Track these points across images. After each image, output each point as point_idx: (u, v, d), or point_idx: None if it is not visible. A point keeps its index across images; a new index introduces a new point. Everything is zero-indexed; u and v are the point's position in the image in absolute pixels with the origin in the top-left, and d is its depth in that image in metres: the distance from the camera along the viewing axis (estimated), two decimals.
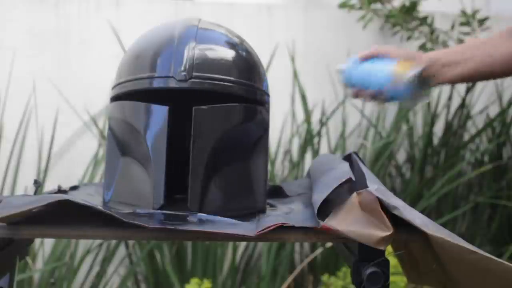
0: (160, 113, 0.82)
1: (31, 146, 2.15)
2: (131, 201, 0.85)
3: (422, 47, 2.35)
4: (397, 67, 1.10)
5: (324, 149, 2.31)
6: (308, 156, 2.22)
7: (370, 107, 2.35)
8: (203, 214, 0.79)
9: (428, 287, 1.04)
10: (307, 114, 2.19)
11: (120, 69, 0.90)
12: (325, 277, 1.94)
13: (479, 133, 2.39)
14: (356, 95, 1.16)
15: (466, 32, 2.33)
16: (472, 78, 1.13)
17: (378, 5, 2.38)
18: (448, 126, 2.37)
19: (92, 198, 0.92)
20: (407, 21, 2.36)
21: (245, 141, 0.87)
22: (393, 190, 2.30)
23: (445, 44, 2.34)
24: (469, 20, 2.33)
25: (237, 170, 0.86)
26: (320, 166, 1.02)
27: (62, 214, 0.73)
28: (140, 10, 2.27)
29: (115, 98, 0.89)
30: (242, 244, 2.17)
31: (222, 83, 0.84)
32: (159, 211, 0.80)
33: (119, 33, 2.17)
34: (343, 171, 0.85)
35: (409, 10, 2.34)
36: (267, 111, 0.91)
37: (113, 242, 2.06)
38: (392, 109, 2.32)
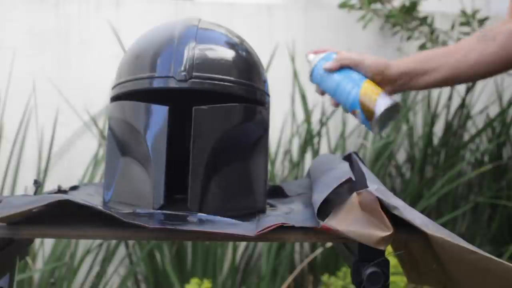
0: (160, 113, 0.82)
1: (31, 146, 2.15)
2: (131, 201, 0.85)
3: (422, 47, 2.35)
4: (364, 93, 1.08)
5: (324, 149, 2.30)
6: (308, 156, 2.22)
7: None
8: (203, 214, 0.79)
9: (428, 287, 1.04)
10: (307, 114, 2.19)
11: (120, 69, 0.90)
12: (325, 277, 1.94)
13: (479, 133, 2.39)
14: (322, 94, 1.17)
15: (466, 32, 2.33)
16: (445, 84, 1.15)
17: (378, 5, 2.38)
18: (448, 126, 2.37)
19: (92, 198, 0.92)
20: (407, 21, 2.36)
21: (245, 141, 0.87)
22: (393, 190, 2.30)
23: (445, 44, 2.34)
24: (469, 20, 2.33)
25: (237, 170, 0.86)
26: (320, 166, 1.02)
27: (62, 214, 0.73)
28: (140, 10, 2.27)
29: (115, 98, 0.89)
30: (242, 244, 2.17)
31: (222, 83, 0.84)
32: (159, 211, 0.80)
33: (119, 33, 2.17)
34: (343, 171, 0.85)
35: (409, 10, 2.34)
36: (267, 111, 0.91)
37: (113, 242, 2.06)
38: None
